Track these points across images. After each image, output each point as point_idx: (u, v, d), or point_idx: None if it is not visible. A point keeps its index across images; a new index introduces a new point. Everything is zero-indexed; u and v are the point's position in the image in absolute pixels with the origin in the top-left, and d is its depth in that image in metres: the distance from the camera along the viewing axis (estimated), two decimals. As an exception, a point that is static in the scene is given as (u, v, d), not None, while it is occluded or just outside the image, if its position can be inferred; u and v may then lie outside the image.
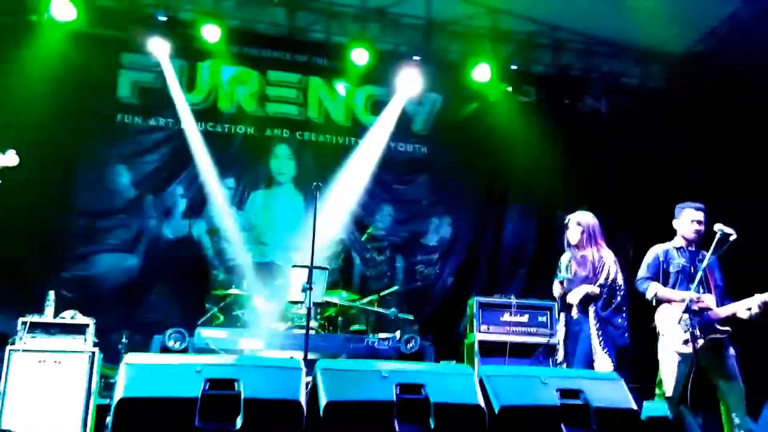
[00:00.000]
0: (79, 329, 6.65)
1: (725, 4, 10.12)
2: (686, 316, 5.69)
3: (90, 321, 6.70)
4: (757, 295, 5.78)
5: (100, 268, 9.64)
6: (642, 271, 6.29)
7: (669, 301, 6.02)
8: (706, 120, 10.07)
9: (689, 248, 6.23)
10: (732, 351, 6.01)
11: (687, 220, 6.22)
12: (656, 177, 10.55)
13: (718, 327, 5.92)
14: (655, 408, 5.09)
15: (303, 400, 4.09)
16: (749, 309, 5.78)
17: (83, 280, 9.46)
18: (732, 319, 5.92)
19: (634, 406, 4.44)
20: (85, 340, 6.60)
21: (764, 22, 9.83)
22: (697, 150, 10.19)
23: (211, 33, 9.93)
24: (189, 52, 10.32)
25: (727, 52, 10.39)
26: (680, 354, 5.86)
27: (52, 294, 6.82)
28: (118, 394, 3.91)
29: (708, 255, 5.83)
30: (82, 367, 6.42)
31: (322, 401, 4.03)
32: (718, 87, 10.12)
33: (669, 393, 5.90)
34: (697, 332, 5.77)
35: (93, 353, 6.53)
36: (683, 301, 5.73)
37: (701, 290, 6.00)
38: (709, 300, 6.00)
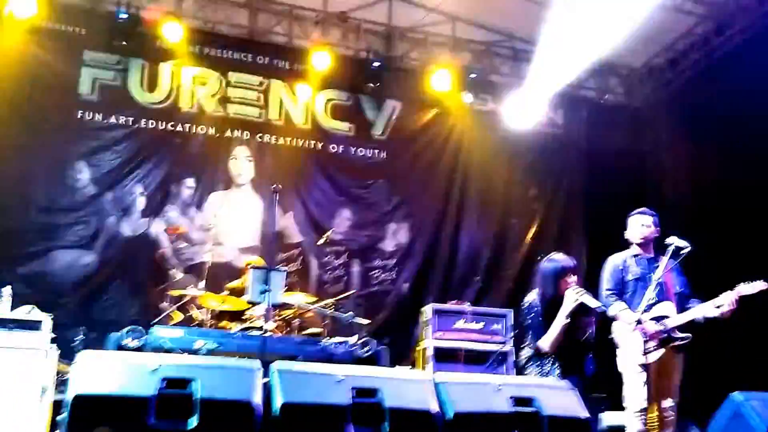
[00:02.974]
0: (36, 325, 6.55)
1: (683, 20, 10.30)
2: (640, 327, 5.71)
3: (47, 317, 6.61)
4: (726, 293, 5.79)
5: (57, 265, 9.47)
6: (605, 284, 6.24)
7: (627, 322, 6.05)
8: (661, 132, 10.25)
9: (647, 255, 6.27)
10: (680, 362, 6.07)
11: (636, 225, 6.27)
12: (610, 187, 10.69)
13: (676, 335, 5.95)
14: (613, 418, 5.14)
15: (258, 401, 4.07)
16: (719, 307, 5.81)
17: (40, 276, 9.28)
18: (691, 326, 5.98)
19: (586, 415, 4.48)
20: (41, 336, 6.51)
21: (721, 36, 10.05)
22: (653, 161, 10.37)
23: (172, 33, 9.87)
24: (150, 51, 10.22)
25: (683, 67, 10.59)
26: (639, 365, 5.86)
27: (8, 289, 6.72)
28: (73, 391, 3.86)
29: (662, 266, 5.87)
30: (38, 363, 6.33)
31: (278, 403, 4.03)
32: (676, 100, 10.30)
33: (633, 405, 5.91)
34: (651, 344, 5.80)
35: (49, 349, 6.44)
36: (637, 323, 5.74)
37: (660, 297, 6.03)
38: (666, 308, 6.04)
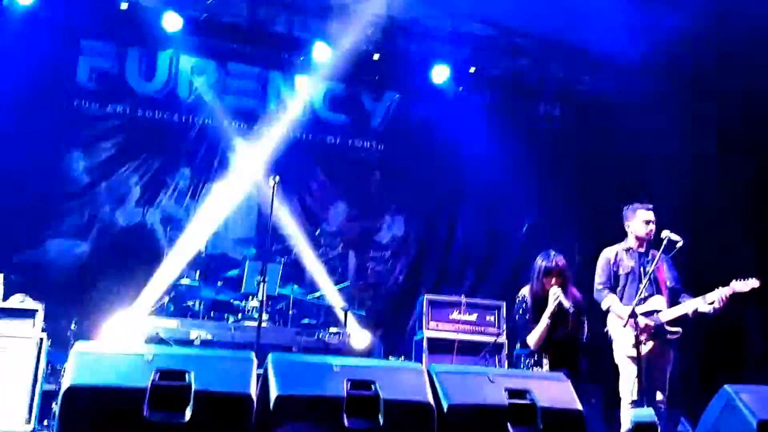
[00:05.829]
0: (28, 314, 6.52)
1: (676, 15, 10.25)
2: (632, 320, 5.76)
3: (39, 306, 6.58)
4: (719, 289, 5.85)
5: (51, 254, 9.45)
6: (598, 277, 6.35)
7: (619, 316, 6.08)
8: (658, 126, 10.22)
9: (639, 249, 6.29)
10: (672, 356, 6.11)
11: (640, 220, 6.29)
12: (606, 182, 10.67)
13: (668, 328, 6.00)
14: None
15: (254, 392, 4.03)
16: (711, 303, 5.86)
17: (33, 265, 9.25)
18: (683, 320, 6.01)
19: (580, 407, 4.46)
20: (34, 325, 6.48)
21: (717, 33, 10.00)
22: (648, 155, 10.34)
23: (171, 22, 9.80)
24: (148, 40, 10.16)
25: (680, 63, 10.55)
26: (630, 357, 5.94)
27: (0, 277, 6.67)
28: (66, 382, 3.81)
29: (656, 259, 5.92)
30: (30, 353, 6.30)
31: (273, 394, 3.98)
32: (671, 95, 10.27)
33: (627, 397, 5.98)
34: (643, 336, 5.86)
35: (41, 339, 6.41)
36: (629, 317, 5.77)
37: (652, 291, 6.08)
38: (658, 302, 6.08)
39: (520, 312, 6.25)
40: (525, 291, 6.25)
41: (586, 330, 6.19)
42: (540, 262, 6.21)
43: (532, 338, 6.04)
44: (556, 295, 5.97)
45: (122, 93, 10.12)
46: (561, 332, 6.02)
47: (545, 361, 5.99)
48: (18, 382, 6.16)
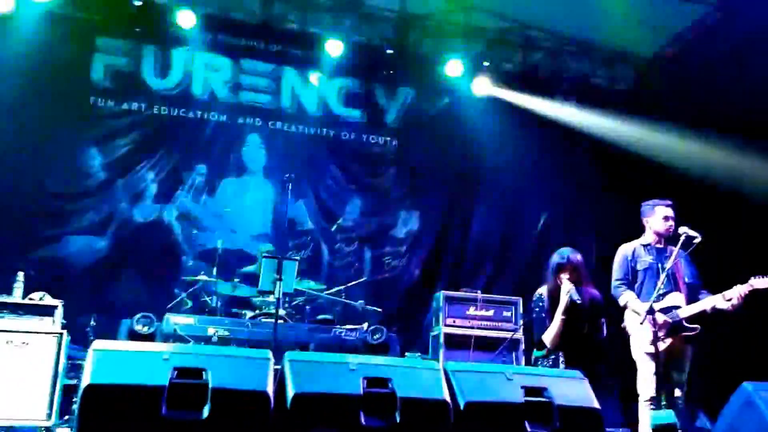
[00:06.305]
0: (48, 311, 6.58)
1: (694, 8, 10.19)
2: (650, 317, 5.73)
3: (58, 303, 6.64)
4: (737, 286, 5.82)
5: (69, 250, 9.50)
6: (615, 273, 6.32)
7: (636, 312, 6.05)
8: (672, 122, 10.16)
9: (657, 245, 6.27)
10: (690, 353, 6.09)
11: (659, 216, 6.26)
12: (621, 177, 10.62)
13: (687, 325, 5.98)
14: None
15: (270, 390, 4.05)
16: (729, 300, 5.83)
17: (52, 262, 9.32)
18: (702, 316, 5.98)
19: (597, 405, 4.46)
20: (53, 321, 6.55)
21: (731, 26, 9.93)
22: (664, 150, 10.28)
23: (185, 19, 9.83)
24: (163, 37, 10.19)
25: (694, 56, 10.49)
26: (648, 354, 5.91)
27: (20, 275, 6.73)
28: (86, 380, 3.85)
29: (674, 254, 5.89)
30: (50, 349, 6.34)
31: (290, 393, 4.00)
32: (686, 90, 10.20)
33: (645, 393, 5.96)
34: (661, 333, 5.84)
35: (61, 335, 6.45)
36: (647, 314, 5.74)
37: (670, 287, 6.06)
38: (677, 298, 6.05)
39: (537, 310, 6.23)
40: (542, 290, 6.24)
41: (605, 331, 6.16)
42: (554, 258, 6.20)
43: (548, 336, 6.02)
44: (567, 289, 5.94)
45: (137, 90, 10.16)
46: (578, 331, 5.99)
47: (561, 360, 5.97)
48: (39, 378, 6.22)
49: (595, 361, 5.99)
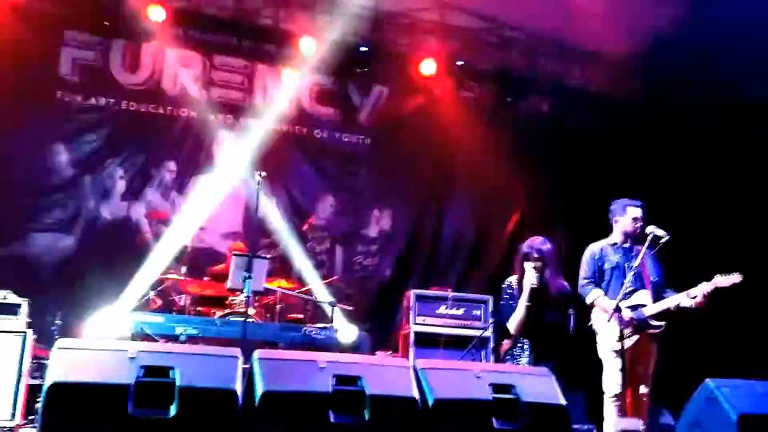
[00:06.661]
0: (12, 309, 6.56)
1: (669, 7, 10.29)
2: (617, 314, 5.83)
3: (23, 301, 6.60)
4: (702, 284, 5.95)
5: (35, 248, 9.44)
6: (583, 272, 6.43)
7: (603, 310, 6.14)
8: (646, 121, 10.30)
9: (624, 245, 6.39)
10: (655, 350, 6.20)
11: (630, 217, 6.37)
12: (593, 176, 10.72)
13: (652, 323, 6.11)
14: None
15: (239, 389, 4.07)
16: (694, 297, 5.94)
17: (18, 259, 9.25)
18: (666, 314, 6.09)
19: (564, 402, 4.53)
20: (18, 320, 6.50)
21: (707, 26, 10.04)
22: (637, 150, 10.42)
23: (156, 13, 9.78)
24: (133, 31, 10.12)
25: (669, 56, 10.59)
26: (614, 351, 6.01)
27: (-16, 273, 6.69)
28: (50, 378, 3.84)
29: (641, 254, 5.99)
30: (14, 348, 6.32)
31: (259, 391, 4.02)
32: (660, 90, 10.33)
33: (610, 390, 6.06)
34: (627, 330, 5.94)
35: (25, 333, 6.43)
36: (614, 311, 5.82)
37: (636, 286, 6.17)
38: (643, 296, 6.18)
39: (506, 297, 6.24)
40: (513, 278, 6.26)
41: (572, 322, 6.20)
42: (523, 247, 6.21)
43: (512, 324, 6.02)
44: (530, 277, 5.93)
45: (106, 85, 10.10)
46: (544, 319, 6.01)
47: (526, 348, 5.99)
48: (3, 377, 6.19)
49: (561, 352, 6.02)
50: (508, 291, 6.23)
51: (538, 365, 5.67)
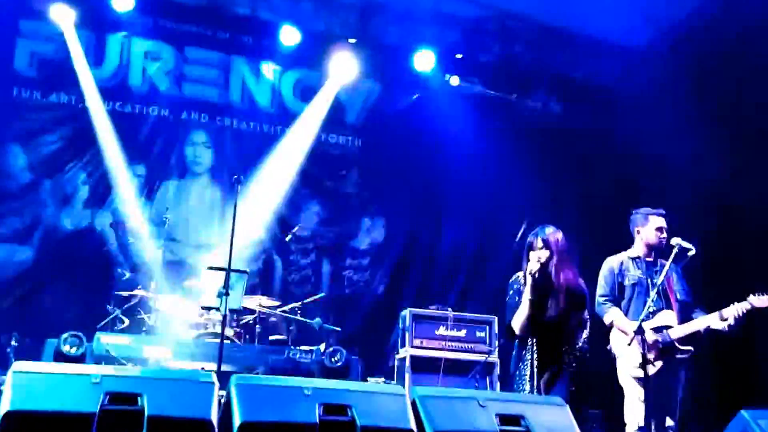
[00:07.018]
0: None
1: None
2: (638, 337, 5.74)
3: (-26, 321, 6.55)
4: (735, 305, 5.90)
5: (-12, 261, 9.43)
6: (600, 289, 6.35)
7: (623, 331, 6.08)
8: (664, 122, 10.30)
9: (646, 258, 6.33)
10: (683, 377, 6.14)
11: (652, 227, 6.32)
12: (607, 179, 10.73)
13: (679, 347, 6.03)
14: None
15: (215, 418, 4.04)
16: (725, 319, 5.90)
17: (-31, 274, 9.24)
18: (695, 337, 6.04)
19: (579, 435, 4.50)
20: (-32, 341, 6.47)
21: (725, 20, 10.08)
22: (654, 153, 10.41)
23: (122, 1, 9.77)
24: (97, 21, 10.13)
25: (685, 49, 10.64)
26: (636, 378, 5.94)
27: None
28: (4, 406, 3.80)
29: (665, 268, 5.92)
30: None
31: (236, 421, 3.99)
32: (674, 84, 10.34)
33: (632, 422, 5.96)
34: (650, 355, 5.88)
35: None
36: (636, 333, 5.72)
37: (661, 305, 6.10)
38: (668, 317, 6.10)
39: (511, 293, 6.10)
40: (520, 273, 6.11)
41: (587, 325, 6.00)
42: (529, 237, 6.08)
43: (516, 322, 5.84)
44: (531, 266, 5.77)
45: (67, 81, 10.07)
46: (549, 315, 5.81)
47: (530, 347, 5.82)
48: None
49: (569, 353, 5.84)
50: (514, 286, 6.07)
51: (544, 370, 5.62)
